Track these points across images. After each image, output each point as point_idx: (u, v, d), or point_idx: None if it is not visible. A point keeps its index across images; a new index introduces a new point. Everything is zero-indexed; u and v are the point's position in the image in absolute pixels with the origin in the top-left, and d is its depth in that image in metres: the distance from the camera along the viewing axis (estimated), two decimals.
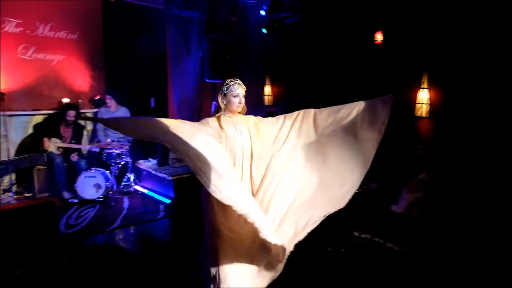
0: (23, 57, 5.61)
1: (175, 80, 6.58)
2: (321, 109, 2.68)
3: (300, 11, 5.37)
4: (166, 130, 2.26)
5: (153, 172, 5.71)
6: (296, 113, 2.73)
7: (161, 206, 5.20)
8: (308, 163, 2.63)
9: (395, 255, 2.97)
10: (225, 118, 2.61)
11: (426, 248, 2.93)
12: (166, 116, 5.98)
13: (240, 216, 2.23)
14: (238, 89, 2.58)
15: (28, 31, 5.60)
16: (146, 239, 4.23)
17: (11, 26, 5.45)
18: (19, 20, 5.50)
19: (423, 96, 4.22)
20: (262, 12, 5.80)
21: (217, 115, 2.62)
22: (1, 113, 4.99)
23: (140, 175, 6.07)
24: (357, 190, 3.99)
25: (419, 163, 3.26)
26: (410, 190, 3.15)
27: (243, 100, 2.60)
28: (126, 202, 5.32)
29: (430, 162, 3.21)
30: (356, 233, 3.24)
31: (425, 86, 4.20)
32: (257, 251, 2.49)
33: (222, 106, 2.61)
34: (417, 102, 4.25)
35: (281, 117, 2.75)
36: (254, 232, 2.28)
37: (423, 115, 4.22)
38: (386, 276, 2.95)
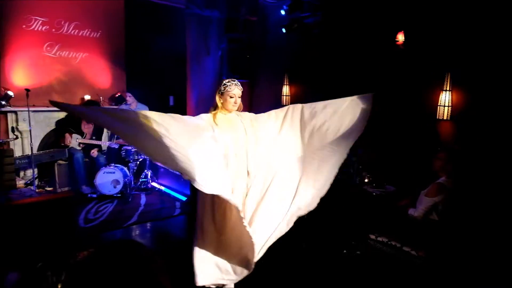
0: (48, 54, 5.77)
1: (194, 79, 6.63)
2: (308, 104, 2.86)
3: (321, 11, 5.33)
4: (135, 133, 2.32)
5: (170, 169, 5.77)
6: (286, 108, 2.91)
7: (178, 203, 5.25)
8: (300, 158, 2.81)
9: (412, 260, 2.91)
10: (221, 115, 2.76)
11: (444, 253, 2.86)
12: (185, 114, 6.04)
13: (226, 213, 2.60)
14: (234, 90, 2.72)
15: (53, 30, 5.76)
16: (162, 235, 4.28)
17: (37, 25, 5.61)
18: (45, 18, 5.66)
19: (445, 98, 4.11)
20: (282, 12, 5.79)
21: (214, 112, 2.77)
22: (26, 109, 5.13)
23: (158, 172, 6.15)
24: (375, 192, 3.97)
25: (439, 166, 3.18)
26: (429, 194, 3.07)
27: (238, 100, 2.75)
28: (143, 199, 5.40)
29: (450, 166, 3.12)
30: (372, 236, 3.19)
31: (448, 88, 4.10)
32: (235, 248, 2.69)
33: (219, 104, 2.76)
34: (439, 104, 4.15)
35: (272, 112, 2.92)
36: (235, 230, 2.58)
37: (445, 117, 4.11)
38: (402, 281, 2.90)
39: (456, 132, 4.10)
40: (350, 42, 4.99)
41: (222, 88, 2.73)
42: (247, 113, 2.88)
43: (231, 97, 2.71)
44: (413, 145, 4.31)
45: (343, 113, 2.75)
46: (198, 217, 2.82)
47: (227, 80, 2.75)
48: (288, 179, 2.78)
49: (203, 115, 2.75)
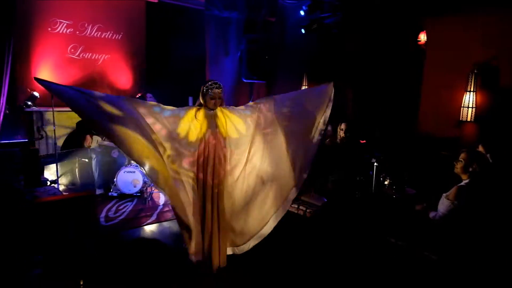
0: (72, 56, 5.92)
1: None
2: (279, 95, 3.19)
3: (341, 11, 5.27)
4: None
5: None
6: (260, 100, 3.19)
7: None
8: (284, 131, 3.08)
9: (432, 264, 2.84)
10: (203, 110, 3.02)
11: (464, 258, 2.78)
12: None
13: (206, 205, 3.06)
14: (215, 92, 2.97)
15: (77, 32, 5.90)
16: (180, 234, 4.32)
17: (62, 27, 5.77)
18: (70, 21, 5.81)
19: (469, 99, 4.01)
20: (302, 13, 5.76)
21: (197, 107, 3.03)
22: (51, 109, 5.27)
23: None
24: (395, 195, 3.90)
25: (460, 168, 3.10)
26: (450, 196, 2.99)
27: (218, 102, 3.01)
28: (162, 198, 5.46)
29: (472, 168, 3.03)
30: (392, 240, 3.14)
31: (472, 88, 3.99)
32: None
33: (202, 102, 3.02)
34: (462, 105, 4.05)
35: (248, 105, 3.20)
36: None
37: (468, 119, 4.01)
38: (421, 285, 2.84)
39: (480, 134, 3.99)
40: (371, 42, 4.93)
41: (204, 90, 2.97)
42: (228, 107, 3.14)
43: (211, 98, 2.96)
44: (435, 147, 4.22)
45: (307, 97, 3.22)
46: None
47: (210, 83, 2.97)
48: (279, 153, 3.07)
49: (187, 108, 3.02)
